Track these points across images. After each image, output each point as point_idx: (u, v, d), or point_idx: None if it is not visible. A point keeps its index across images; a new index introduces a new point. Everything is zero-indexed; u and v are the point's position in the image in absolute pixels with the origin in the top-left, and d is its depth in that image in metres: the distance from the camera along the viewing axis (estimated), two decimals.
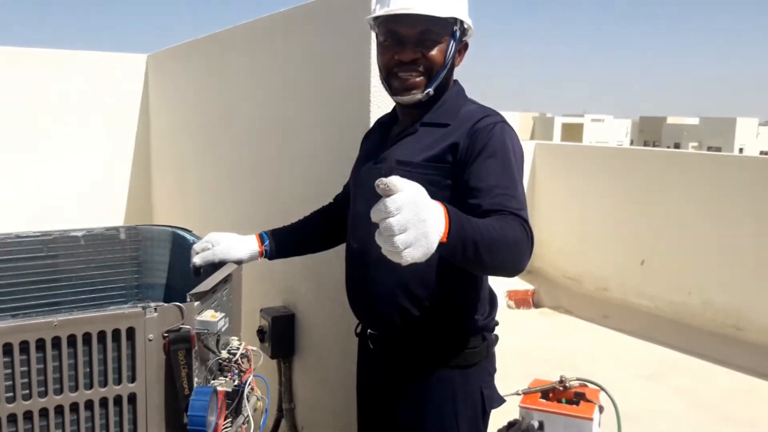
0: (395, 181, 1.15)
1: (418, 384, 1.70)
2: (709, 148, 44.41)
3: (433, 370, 1.69)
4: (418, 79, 1.63)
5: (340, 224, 1.94)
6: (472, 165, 1.54)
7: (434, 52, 1.62)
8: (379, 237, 1.15)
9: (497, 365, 1.82)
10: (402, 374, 1.73)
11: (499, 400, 1.79)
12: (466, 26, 1.67)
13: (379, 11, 1.63)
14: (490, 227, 1.33)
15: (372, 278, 1.70)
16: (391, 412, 1.75)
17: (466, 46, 1.73)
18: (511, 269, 1.41)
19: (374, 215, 1.15)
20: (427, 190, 1.53)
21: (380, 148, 1.75)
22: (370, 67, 2.09)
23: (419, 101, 1.65)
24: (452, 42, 1.64)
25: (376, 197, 1.59)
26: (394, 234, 1.12)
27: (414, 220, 1.13)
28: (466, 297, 1.69)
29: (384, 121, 1.87)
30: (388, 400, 1.76)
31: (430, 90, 1.64)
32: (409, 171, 1.57)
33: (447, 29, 1.63)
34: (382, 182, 1.14)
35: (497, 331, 1.81)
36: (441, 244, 1.20)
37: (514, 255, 1.38)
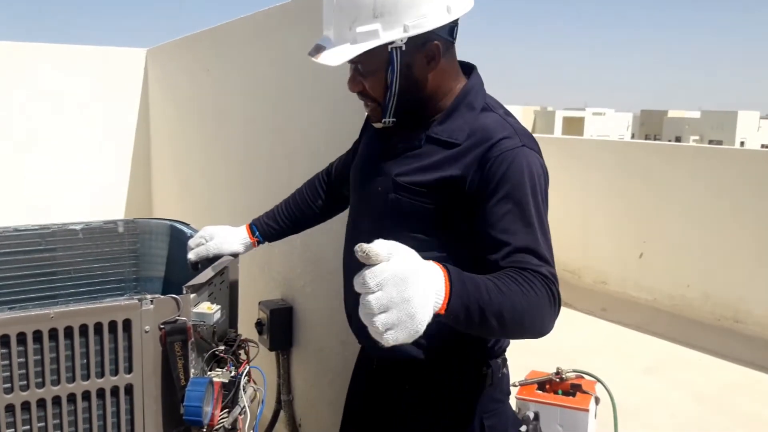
0: (377, 248, 1.00)
1: (414, 412, 1.58)
2: (711, 142, 44.37)
3: (429, 399, 1.56)
4: (372, 106, 1.49)
5: (333, 198, 1.89)
6: (484, 206, 1.32)
7: (368, 84, 1.44)
8: (360, 310, 1.01)
9: None
10: (398, 400, 1.60)
11: (515, 423, 1.66)
12: (406, 39, 1.37)
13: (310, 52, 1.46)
14: (502, 291, 1.15)
15: None
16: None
17: (436, 47, 1.41)
18: (530, 335, 1.24)
19: (356, 286, 1.01)
20: (422, 217, 1.41)
21: (380, 151, 1.56)
22: None
23: (386, 126, 1.48)
24: (392, 66, 1.39)
25: (373, 213, 1.51)
26: (374, 313, 0.98)
27: (397, 299, 0.98)
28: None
29: None
30: (381, 423, 1.66)
31: (387, 120, 1.46)
32: (405, 196, 1.44)
33: (378, 57, 1.38)
34: (362, 249, 0.99)
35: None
36: (438, 315, 1.06)
37: (536, 322, 1.21)
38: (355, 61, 1.41)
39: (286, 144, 2.77)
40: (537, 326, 1.22)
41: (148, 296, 1.41)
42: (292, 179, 2.69)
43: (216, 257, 1.78)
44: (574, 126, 53.76)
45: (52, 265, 2.13)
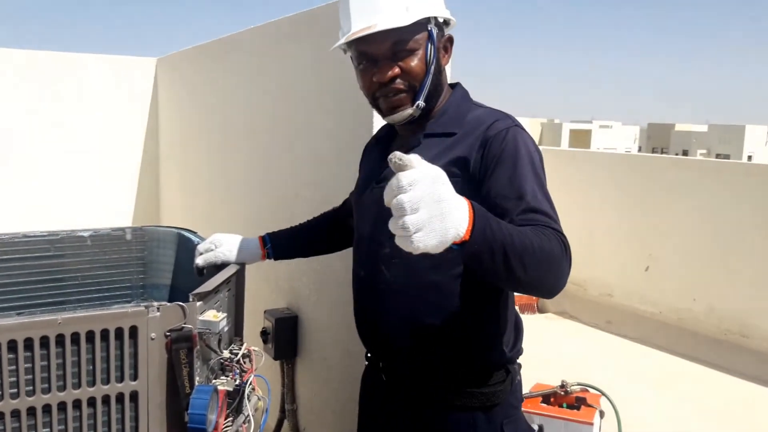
0: (411, 156, 1.00)
1: (435, 427, 1.56)
2: (718, 156, 44.25)
3: (450, 411, 1.54)
4: (402, 95, 1.51)
5: (345, 231, 1.89)
6: (490, 179, 1.39)
7: (412, 63, 1.49)
8: (392, 222, 0.99)
9: None
10: (416, 414, 1.58)
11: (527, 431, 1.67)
12: (442, 20, 1.54)
13: (342, 38, 1.52)
14: (524, 235, 1.15)
15: (382, 308, 1.56)
16: None
17: (450, 39, 1.58)
18: (548, 287, 1.24)
19: (387, 194, 0.99)
20: None
21: (381, 167, 1.61)
22: None
23: (412, 116, 1.53)
24: (430, 45, 1.50)
25: (381, 221, 1.48)
26: (405, 213, 0.96)
27: (428, 199, 0.97)
28: (488, 327, 1.52)
29: (381, 136, 1.75)
30: None
31: (420, 102, 1.51)
32: None
33: (420, 32, 1.49)
34: (396, 155, 1.00)
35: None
36: (464, 245, 1.04)
37: (553, 270, 1.21)
38: (402, 39, 1.47)
39: (291, 155, 2.78)
40: (553, 276, 1.23)
41: (155, 303, 1.41)
42: (298, 191, 2.71)
43: (224, 264, 1.79)
44: (581, 139, 53.71)
45: (60, 271, 2.14)
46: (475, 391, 1.53)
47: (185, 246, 2.19)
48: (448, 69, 1.67)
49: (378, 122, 2.06)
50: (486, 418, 1.53)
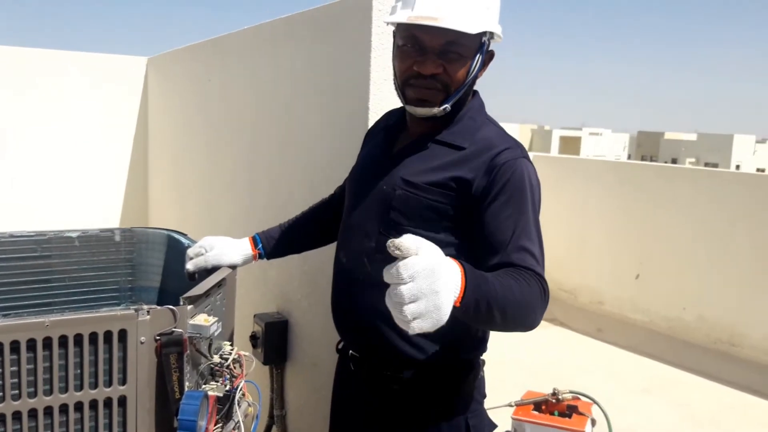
0: (408, 243, 1.07)
1: (398, 415, 1.62)
2: (706, 164, 44.55)
3: (412, 401, 1.60)
4: (435, 93, 1.50)
5: (337, 221, 1.89)
6: (488, 209, 1.44)
7: (457, 68, 1.48)
8: (388, 299, 1.08)
9: (490, 377, 1.76)
10: (380, 401, 1.64)
11: (490, 426, 1.72)
12: (495, 35, 1.53)
13: (401, 15, 1.47)
14: (506, 287, 1.25)
15: (357, 298, 1.61)
16: None
17: (492, 55, 1.58)
18: (523, 328, 1.33)
19: (387, 277, 1.07)
20: (430, 215, 1.49)
21: (384, 157, 1.63)
22: (369, 74, 2.09)
23: (435, 115, 1.52)
24: (479, 56, 1.50)
25: (372, 215, 1.57)
26: (404, 302, 1.05)
27: (427, 290, 1.06)
28: (458, 325, 1.59)
29: (390, 125, 1.72)
30: (363, 425, 1.69)
31: (447, 106, 1.51)
32: (414, 193, 1.51)
33: (475, 43, 1.48)
34: (394, 244, 1.06)
35: (488, 349, 1.72)
36: (453, 308, 1.13)
37: (529, 317, 1.31)
38: (457, 41, 1.45)
39: (285, 155, 2.77)
40: (530, 320, 1.33)
41: (145, 307, 1.39)
42: (292, 191, 2.69)
43: (214, 268, 1.76)
44: (570, 145, 53.96)
45: (47, 272, 2.11)
46: (441, 384, 1.59)
47: (175, 248, 2.16)
48: None
49: (372, 123, 2.05)
50: (451, 410, 1.60)
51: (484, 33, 1.48)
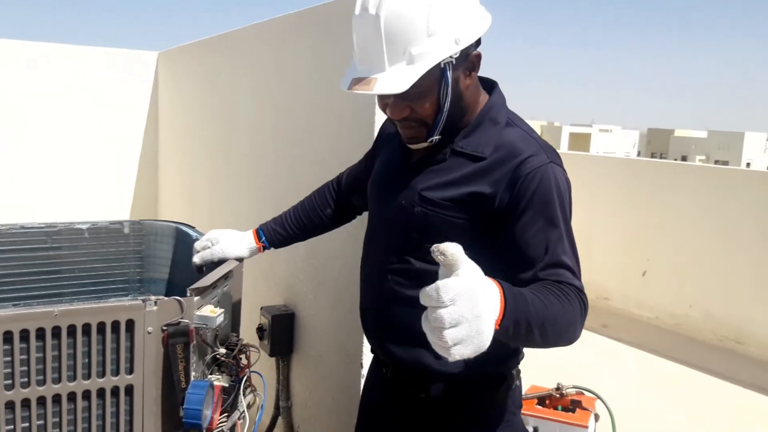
0: (453, 249, 0.99)
1: (428, 426, 1.57)
2: (717, 162, 44.34)
3: (443, 412, 1.54)
4: (417, 130, 1.45)
5: (344, 207, 1.90)
6: (516, 223, 1.35)
7: (423, 104, 1.39)
8: (425, 323, 1.00)
9: None
10: (409, 413, 1.59)
11: None
12: (458, 53, 1.36)
13: (347, 78, 1.39)
14: (545, 305, 1.18)
15: (385, 311, 1.56)
16: None
17: (477, 56, 1.43)
18: (563, 344, 1.27)
19: (424, 299, 0.99)
20: (448, 231, 1.41)
21: (402, 166, 1.56)
22: None
23: (431, 143, 1.46)
24: (444, 80, 1.37)
25: (393, 226, 1.51)
26: (444, 327, 0.97)
27: (469, 315, 0.98)
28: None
29: None
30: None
31: (434, 137, 1.44)
32: (432, 210, 1.44)
33: (431, 76, 1.34)
34: (439, 249, 0.99)
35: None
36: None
37: (568, 330, 1.25)
38: (404, 94, 1.34)
39: (291, 150, 2.78)
40: (570, 335, 1.26)
41: (152, 297, 1.41)
42: (298, 185, 2.70)
43: (221, 261, 1.78)
44: (580, 142, 53.78)
45: (57, 263, 2.13)
46: (473, 396, 1.53)
47: (183, 240, 2.18)
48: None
49: (379, 121, 2.06)
50: (485, 419, 1.54)
51: (446, 58, 1.34)
